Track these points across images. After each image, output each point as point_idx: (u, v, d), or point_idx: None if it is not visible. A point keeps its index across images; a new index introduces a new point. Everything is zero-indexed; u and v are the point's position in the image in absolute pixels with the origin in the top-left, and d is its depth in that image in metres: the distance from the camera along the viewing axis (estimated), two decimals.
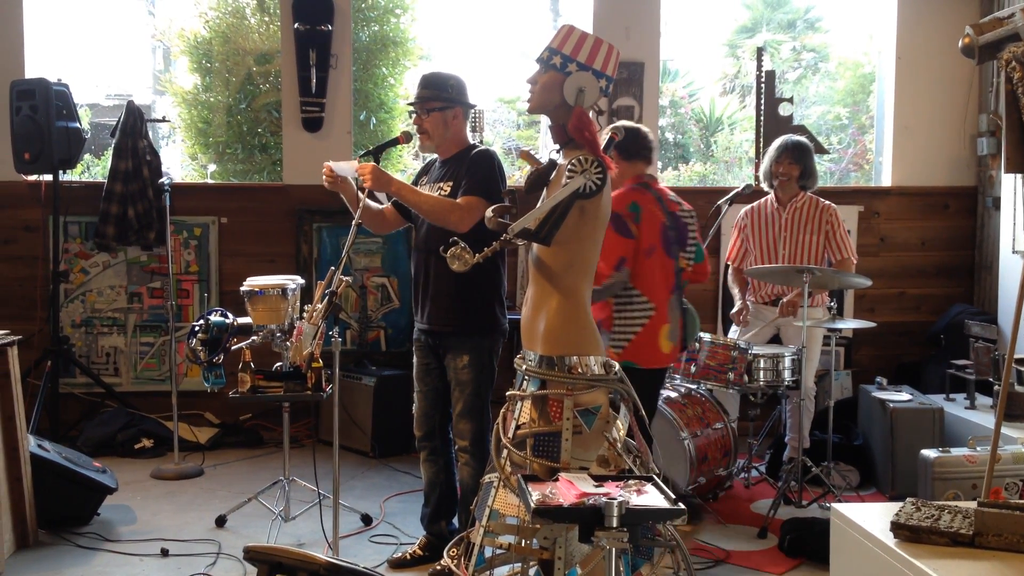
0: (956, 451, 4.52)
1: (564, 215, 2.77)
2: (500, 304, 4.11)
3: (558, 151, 2.99)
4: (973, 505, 2.18)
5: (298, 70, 6.43)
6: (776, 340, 5.48)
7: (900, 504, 2.25)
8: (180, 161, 8.92)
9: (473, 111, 4.56)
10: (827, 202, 5.41)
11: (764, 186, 5.49)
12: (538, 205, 2.82)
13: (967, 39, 1.89)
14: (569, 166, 2.76)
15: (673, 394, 5.03)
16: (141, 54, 10.77)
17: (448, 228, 3.81)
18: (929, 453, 4.51)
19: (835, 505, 2.32)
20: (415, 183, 4.21)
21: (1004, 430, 4.77)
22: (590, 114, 2.90)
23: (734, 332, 5.49)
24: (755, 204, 5.53)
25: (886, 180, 6.82)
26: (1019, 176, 1.74)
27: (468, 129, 4.19)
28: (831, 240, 5.32)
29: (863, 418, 5.72)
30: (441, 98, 4.02)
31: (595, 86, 2.87)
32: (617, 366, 2.93)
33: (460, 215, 3.82)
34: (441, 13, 11.41)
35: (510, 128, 14.13)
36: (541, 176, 2.98)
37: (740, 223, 5.56)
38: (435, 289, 4.06)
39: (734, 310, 5.50)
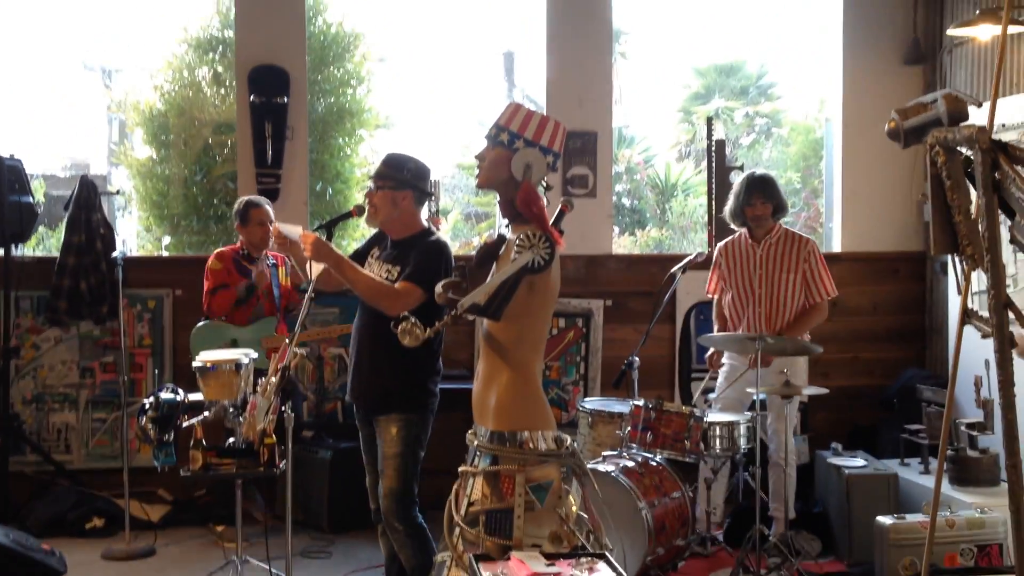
0: (911, 517, 4.54)
1: (513, 290, 2.78)
2: (432, 379, 4.10)
3: (507, 226, 3.03)
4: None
5: (254, 142, 6.44)
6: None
7: None
8: (135, 232, 8.88)
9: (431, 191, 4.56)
10: (806, 236, 5.35)
11: (733, 225, 5.45)
12: (488, 280, 2.84)
13: (892, 124, 1.94)
14: (517, 241, 2.78)
15: (630, 463, 5.01)
16: (97, 126, 10.77)
17: (379, 311, 3.83)
18: (885, 520, 4.52)
19: None
20: (367, 248, 4.25)
21: (958, 495, 4.81)
22: (538, 189, 2.94)
23: (724, 372, 5.47)
24: (730, 239, 5.48)
25: (836, 246, 6.92)
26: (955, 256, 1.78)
27: (423, 215, 4.21)
28: (809, 281, 5.26)
29: (820, 484, 5.73)
30: (394, 178, 4.04)
31: (542, 162, 2.91)
32: (569, 440, 2.93)
33: (391, 301, 3.81)
34: (399, 82, 11.55)
35: (468, 194, 14.24)
36: (491, 250, 3.01)
37: (716, 260, 5.52)
38: (367, 361, 4.06)
39: (707, 353, 5.52)
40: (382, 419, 4.02)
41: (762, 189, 5.26)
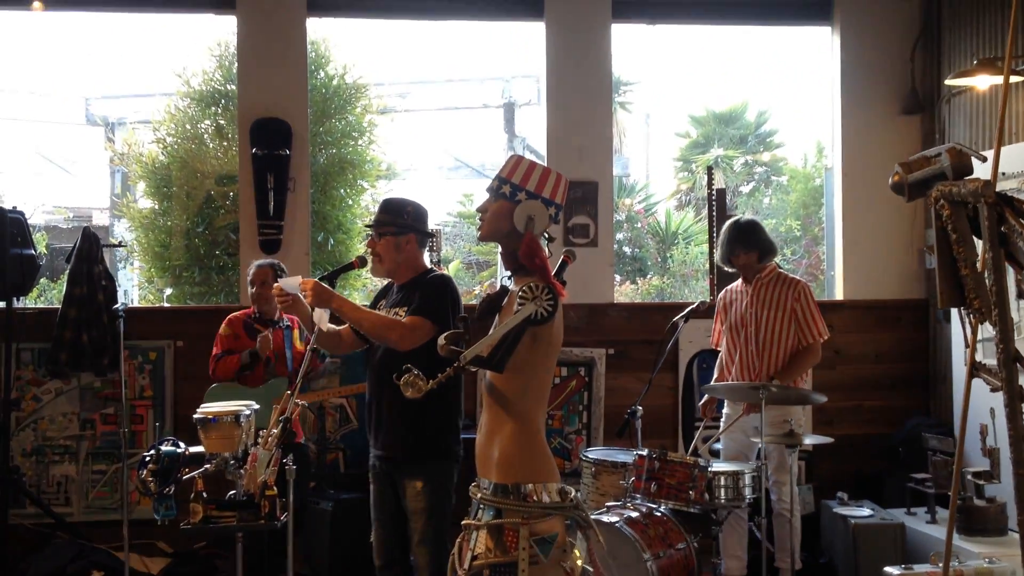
0: (919, 568, 4.48)
1: (516, 342, 2.77)
2: (455, 430, 4.08)
3: (509, 277, 3.03)
4: None
5: (256, 193, 6.47)
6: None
7: None
8: (137, 284, 8.88)
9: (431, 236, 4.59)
10: (796, 278, 5.37)
11: (726, 269, 5.51)
12: (490, 332, 2.84)
13: (897, 177, 1.95)
14: (520, 293, 2.77)
15: (634, 514, 4.97)
16: (100, 178, 10.84)
17: (389, 346, 3.82)
18: (892, 570, 4.47)
19: None
20: (373, 305, 4.24)
21: (966, 545, 4.76)
22: (541, 241, 2.94)
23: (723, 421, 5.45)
24: (729, 286, 5.56)
25: (838, 293, 6.92)
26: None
27: (426, 256, 4.22)
28: (800, 321, 5.25)
29: (826, 534, 5.68)
30: (395, 223, 4.05)
31: (544, 214, 2.91)
32: (573, 492, 2.90)
33: (401, 333, 3.82)
34: (401, 132, 11.63)
35: (470, 243, 14.25)
36: (493, 302, 3.00)
37: (717, 309, 5.58)
38: (388, 415, 4.03)
39: (700, 402, 5.50)
40: (407, 474, 4.00)
41: (742, 241, 5.33)
